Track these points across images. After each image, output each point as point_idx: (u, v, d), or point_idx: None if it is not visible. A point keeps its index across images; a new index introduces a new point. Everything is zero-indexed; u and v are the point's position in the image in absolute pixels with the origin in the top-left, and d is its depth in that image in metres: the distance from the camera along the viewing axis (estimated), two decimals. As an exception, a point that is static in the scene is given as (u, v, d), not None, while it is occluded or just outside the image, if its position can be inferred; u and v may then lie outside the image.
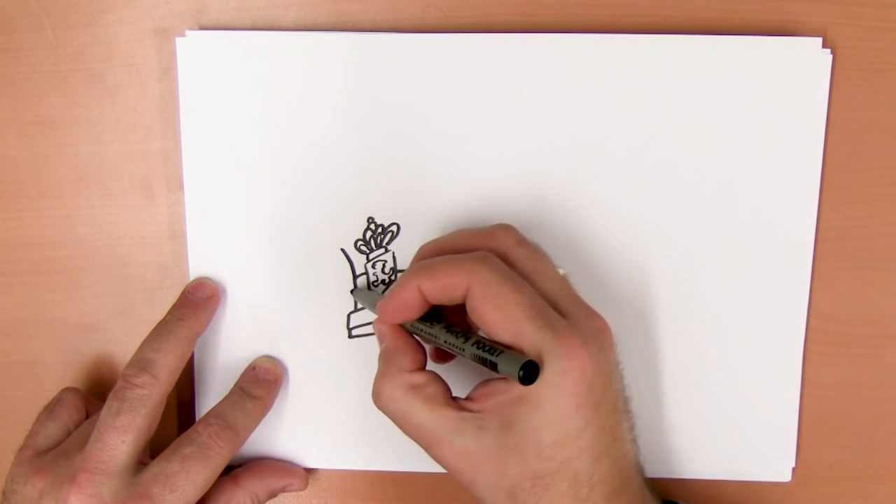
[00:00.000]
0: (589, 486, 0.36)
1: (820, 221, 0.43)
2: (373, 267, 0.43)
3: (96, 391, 0.45)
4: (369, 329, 0.44)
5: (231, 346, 0.44)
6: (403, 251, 0.43)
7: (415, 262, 0.40)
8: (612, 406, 0.36)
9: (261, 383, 0.43)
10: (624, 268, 0.43)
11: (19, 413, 0.44)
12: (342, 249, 0.43)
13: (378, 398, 0.38)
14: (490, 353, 0.35)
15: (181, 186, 0.43)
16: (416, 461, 0.44)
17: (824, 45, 0.42)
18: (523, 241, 0.38)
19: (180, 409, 0.45)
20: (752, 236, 0.43)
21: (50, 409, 0.43)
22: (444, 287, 0.37)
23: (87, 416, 0.43)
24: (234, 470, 0.43)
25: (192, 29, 0.43)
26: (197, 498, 0.39)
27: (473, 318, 0.36)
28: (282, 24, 0.43)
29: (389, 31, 0.42)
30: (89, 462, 0.38)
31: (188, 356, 0.42)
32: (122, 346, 0.45)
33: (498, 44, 0.42)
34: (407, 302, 0.38)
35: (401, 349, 0.38)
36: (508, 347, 0.35)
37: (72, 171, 0.44)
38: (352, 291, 0.43)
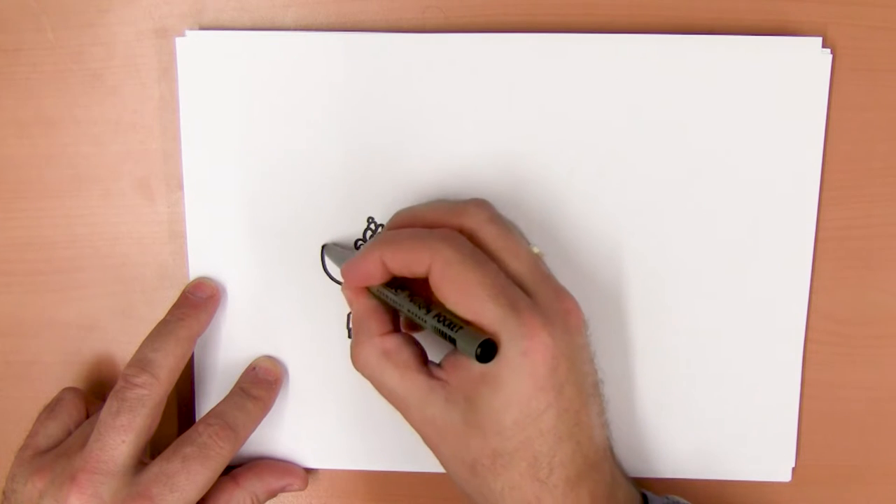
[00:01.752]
0: (549, 468, 0.36)
1: (820, 221, 0.43)
2: (373, 267, 0.43)
3: (96, 391, 0.45)
4: (369, 329, 0.44)
5: (231, 346, 0.44)
6: (403, 251, 0.43)
7: (386, 229, 0.40)
8: (576, 389, 0.36)
9: (261, 383, 0.43)
10: (623, 269, 0.43)
11: (19, 413, 0.44)
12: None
13: (354, 363, 0.39)
14: (450, 329, 0.35)
15: (181, 186, 0.43)
16: (416, 461, 0.44)
17: (824, 45, 0.42)
18: (495, 218, 0.38)
19: (180, 409, 0.45)
20: (752, 236, 0.43)
21: (50, 409, 0.43)
22: (405, 262, 0.37)
23: (87, 416, 0.43)
24: (233, 469, 0.43)
25: (192, 29, 0.43)
26: (197, 498, 0.39)
27: (437, 294, 0.36)
28: (282, 24, 0.43)
29: (389, 31, 0.42)
30: (89, 462, 0.38)
31: (188, 356, 0.42)
32: (122, 346, 0.45)
33: (498, 44, 0.42)
34: (369, 270, 0.38)
35: (369, 314, 0.39)
36: (469, 324, 0.35)
37: (72, 171, 0.44)
38: (323, 247, 0.43)
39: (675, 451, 0.44)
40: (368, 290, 0.39)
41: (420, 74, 0.42)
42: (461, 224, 0.38)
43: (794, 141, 0.42)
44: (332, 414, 0.44)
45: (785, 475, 0.44)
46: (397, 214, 0.40)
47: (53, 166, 0.44)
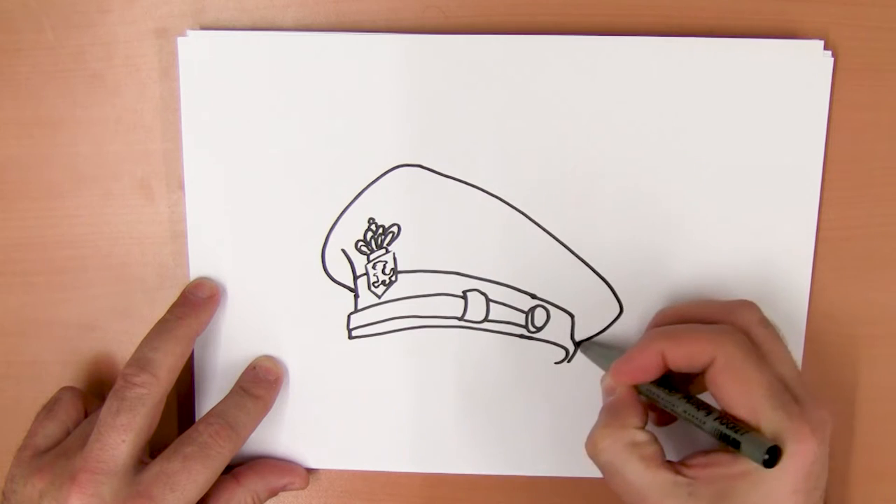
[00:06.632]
0: None
1: (821, 221, 0.43)
2: (373, 267, 0.43)
3: (96, 391, 0.45)
4: (369, 330, 0.44)
5: (231, 346, 0.44)
6: (404, 252, 0.43)
7: (652, 327, 0.41)
8: (819, 495, 0.37)
9: (261, 383, 0.43)
10: (625, 268, 0.43)
11: (19, 413, 0.44)
12: (342, 250, 0.43)
13: (593, 446, 0.38)
14: (734, 432, 0.35)
15: (181, 186, 0.43)
16: (416, 461, 0.44)
17: (826, 47, 0.42)
18: (765, 321, 0.39)
19: (180, 409, 0.45)
20: (753, 236, 0.43)
21: (48, 409, 0.42)
22: (688, 354, 0.37)
23: (85, 415, 0.43)
24: (235, 468, 0.43)
25: (192, 29, 0.43)
26: (198, 497, 0.39)
27: (711, 388, 0.37)
28: (282, 24, 0.43)
29: (389, 32, 0.42)
30: (90, 462, 0.38)
31: (187, 355, 0.42)
32: (122, 346, 0.45)
33: (498, 44, 0.42)
34: (646, 365, 0.38)
35: (630, 406, 0.39)
36: (748, 427, 0.36)
37: (72, 171, 0.44)
38: (577, 344, 0.43)
39: (676, 452, 0.44)
40: (636, 386, 0.39)
41: (420, 74, 0.42)
42: (734, 322, 0.38)
43: (796, 142, 0.42)
44: (332, 414, 0.44)
45: (785, 475, 0.44)
46: (659, 312, 0.41)
47: (53, 166, 0.44)
